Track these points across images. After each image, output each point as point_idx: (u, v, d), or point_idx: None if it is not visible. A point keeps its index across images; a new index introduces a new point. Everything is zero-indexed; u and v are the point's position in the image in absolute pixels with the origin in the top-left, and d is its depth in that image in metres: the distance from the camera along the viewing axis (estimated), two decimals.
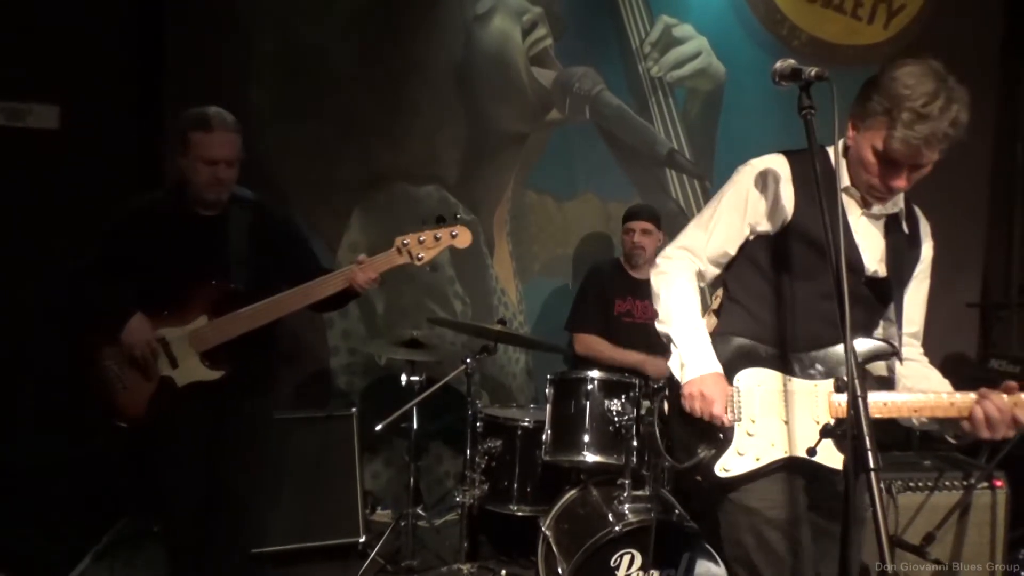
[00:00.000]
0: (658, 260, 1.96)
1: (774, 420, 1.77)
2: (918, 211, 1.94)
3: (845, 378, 1.32)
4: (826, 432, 1.48)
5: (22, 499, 3.22)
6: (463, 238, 2.46)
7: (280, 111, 3.88)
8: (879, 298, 1.86)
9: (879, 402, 1.70)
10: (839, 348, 1.77)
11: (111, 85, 3.59)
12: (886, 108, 1.64)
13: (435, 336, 3.85)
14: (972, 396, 1.68)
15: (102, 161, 3.47)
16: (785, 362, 1.79)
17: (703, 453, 1.78)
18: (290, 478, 3.38)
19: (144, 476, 2.59)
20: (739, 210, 1.85)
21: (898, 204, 1.85)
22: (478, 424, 3.21)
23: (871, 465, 1.23)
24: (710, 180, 4.42)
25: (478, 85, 4.13)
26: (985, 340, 4.66)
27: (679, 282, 1.88)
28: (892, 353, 1.81)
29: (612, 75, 4.28)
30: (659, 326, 1.89)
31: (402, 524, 3.35)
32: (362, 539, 3.42)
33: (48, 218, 3.36)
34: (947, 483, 2.85)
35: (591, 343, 3.51)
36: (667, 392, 1.88)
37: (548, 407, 3.00)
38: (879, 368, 1.89)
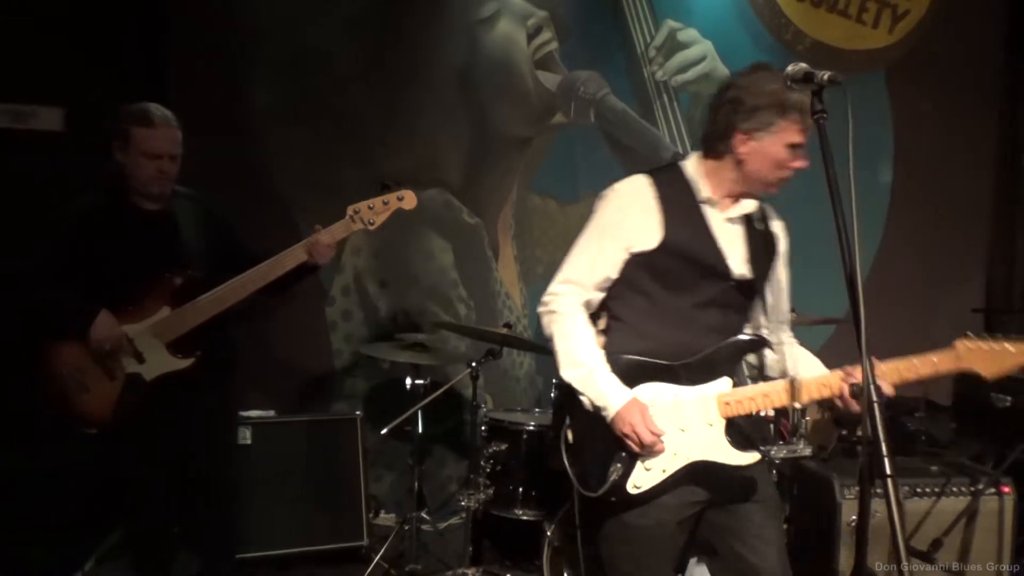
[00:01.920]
0: (544, 298, 1.99)
1: (672, 430, 1.83)
2: (769, 208, 2.03)
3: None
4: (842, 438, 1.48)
5: (23, 503, 3.20)
6: (408, 201, 2.59)
7: (283, 114, 3.87)
8: (747, 296, 1.96)
9: (759, 393, 1.83)
10: (719, 351, 1.86)
11: (115, 87, 3.58)
12: (777, 108, 1.78)
13: (439, 340, 3.84)
14: (839, 374, 1.79)
15: (107, 163, 3.46)
16: (673, 373, 1.86)
17: (614, 476, 1.82)
18: (293, 481, 3.37)
19: (118, 475, 2.56)
20: (613, 234, 1.91)
21: (751, 204, 1.94)
22: (483, 428, 3.19)
23: (887, 471, 1.23)
24: None
25: (482, 89, 4.12)
26: None
27: (569, 320, 1.92)
28: (763, 344, 1.94)
29: (617, 79, 4.27)
30: (562, 372, 1.89)
31: (406, 528, 3.33)
32: (365, 543, 3.41)
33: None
34: (954, 489, 2.84)
35: None
36: (568, 421, 1.90)
37: (553, 411, 2.99)
38: (750, 360, 2.01)
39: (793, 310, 2.17)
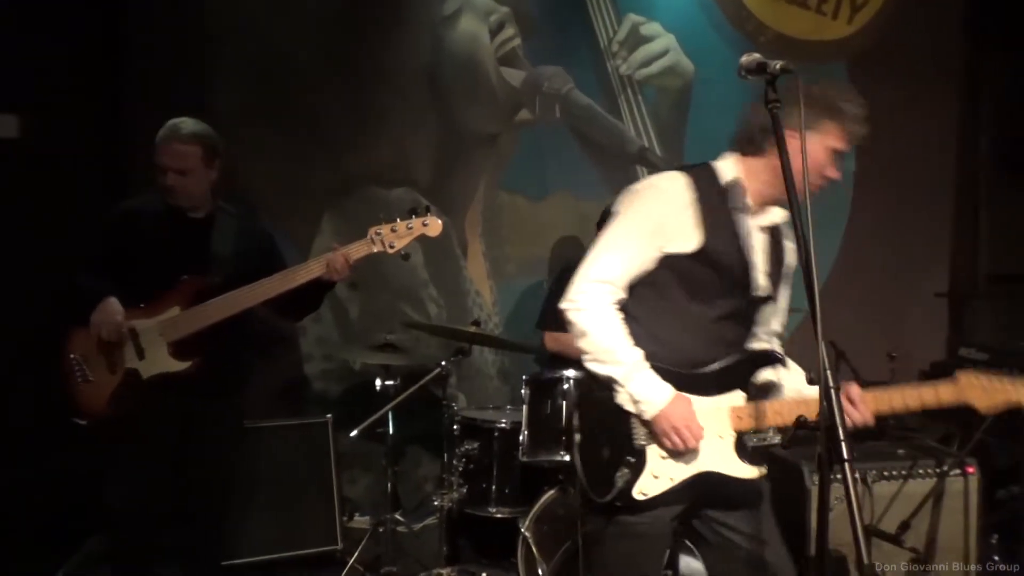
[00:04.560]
0: (573, 296, 1.85)
1: None
2: (788, 223, 1.95)
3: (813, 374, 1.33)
4: (800, 425, 1.50)
5: None
6: (434, 227, 2.55)
7: (247, 116, 3.82)
8: (758, 310, 1.93)
9: (772, 410, 1.83)
10: (735, 365, 1.85)
11: (72, 93, 3.51)
12: (827, 110, 1.78)
13: (410, 340, 3.82)
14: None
15: (64, 169, 3.40)
16: (686, 381, 1.82)
17: (621, 482, 1.79)
18: (265, 487, 3.34)
19: (103, 478, 2.54)
20: (651, 232, 1.84)
21: (780, 213, 1.92)
22: (455, 427, 3.19)
23: (845, 456, 1.24)
24: None
25: (447, 87, 4.11)
26: (955, 329, 4.73)
27: (605, 316, 1.82)
28: (779, 362, 1.90)
29: (581, 74, 4.27)
30: (595, 367, 1.82)
31: (381, 530, 3.32)
32: (339, 547, 3.39)
33: (10, 228, 3.29)
34: (920, 471, 2.88)
35: (560, 338, 3.51)
36: (577, 422, 1.86)
37: (524, 408, 2.98)
38: (763, 375, 1.94)
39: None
